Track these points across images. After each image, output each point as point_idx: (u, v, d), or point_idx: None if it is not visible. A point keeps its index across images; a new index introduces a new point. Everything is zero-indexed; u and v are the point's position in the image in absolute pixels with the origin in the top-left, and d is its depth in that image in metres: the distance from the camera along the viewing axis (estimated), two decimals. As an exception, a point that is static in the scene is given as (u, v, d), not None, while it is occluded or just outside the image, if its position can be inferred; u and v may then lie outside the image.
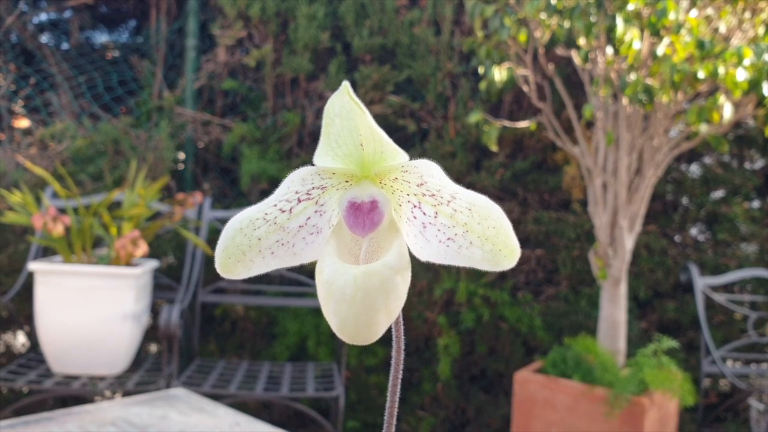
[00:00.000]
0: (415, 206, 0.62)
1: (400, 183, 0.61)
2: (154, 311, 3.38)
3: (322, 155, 0.58)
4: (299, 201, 0.62)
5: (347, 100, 0.54)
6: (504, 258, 0.59)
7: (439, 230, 0.61)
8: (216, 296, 3.27)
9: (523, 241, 3.45)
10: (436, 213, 0.61)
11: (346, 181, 0.62)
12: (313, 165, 0.60)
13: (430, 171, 0.60)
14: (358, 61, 3.71)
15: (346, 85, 0.53)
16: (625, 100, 2.58)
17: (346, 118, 0.55)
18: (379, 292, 0.55)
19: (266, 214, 0.61)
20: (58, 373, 2.66)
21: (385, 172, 0.61)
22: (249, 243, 0.62)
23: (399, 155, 0.58)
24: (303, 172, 0.61)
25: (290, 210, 0.62)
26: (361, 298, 0.55)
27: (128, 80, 3.95)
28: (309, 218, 0.63)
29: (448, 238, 0.60)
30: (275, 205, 0.61)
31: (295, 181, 0.61)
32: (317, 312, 3.45)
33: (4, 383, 2.53)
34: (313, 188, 0.62)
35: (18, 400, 2.76)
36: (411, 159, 0.60)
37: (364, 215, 0.60)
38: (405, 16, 3.60)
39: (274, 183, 3.61)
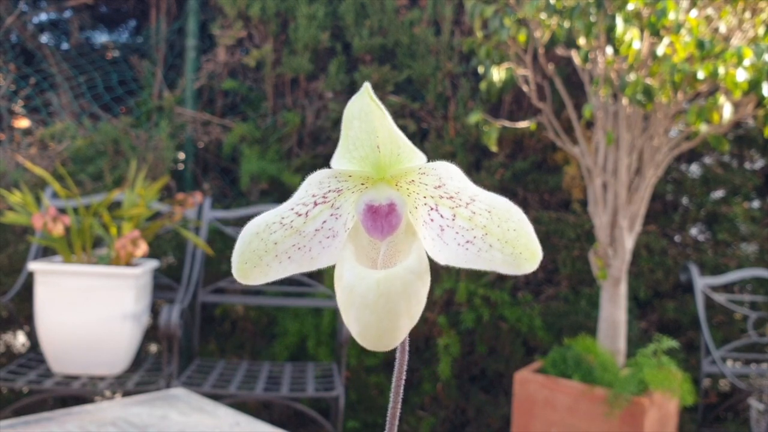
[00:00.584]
0: (432, 209, 0.61)
1: (417, 185, 0.60)
2: (154, 311, 3.38)
3: (338, 158, 0.58)
4: (315, 204, 0.61)
5: (367, 101, 0.53)
6: (525, 261, 0.58)
7: (457, 233, 0.60)
8: (216, 296, 3.27)
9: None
10: (454, 215, 0.60)
11: (362, 184, 0.61)
12: (329, 168, 0.59)
13: (449, 173, 0.59)
14: (358, 61, 3.71)
15: (367, 86, 0.52)
16: (625, 100, 2.58)
17: (365, 120, 0.54)
18: (402, 297, 0.54)
19: (283, 218, 0.61)
20: (58, 373, 2.65)
21: (401, 174, 0.60)
22: (265, 248, 0.61)
23: (416, 157, 0.57)
24: (320, 175, 0.60)
25: (306, 213, 0.61)
26: (383, 304, 0.53)
27: (128, 80, 3.95)
28: (325, 222, 0.62)
29: (467, 241, 0.59)
30: (292, 209, 0.61)
31: (312, 184, 0.60)
32: (317, 312, 3.45)
33: (4, 383, 2.53)
34: (330, 191, 0.61)
35: (18, 400, 2.75)
36: None
37: (381, 218, 0.59)
38: (405, 16, 3.60)
39: (274, 183, 3.61)
